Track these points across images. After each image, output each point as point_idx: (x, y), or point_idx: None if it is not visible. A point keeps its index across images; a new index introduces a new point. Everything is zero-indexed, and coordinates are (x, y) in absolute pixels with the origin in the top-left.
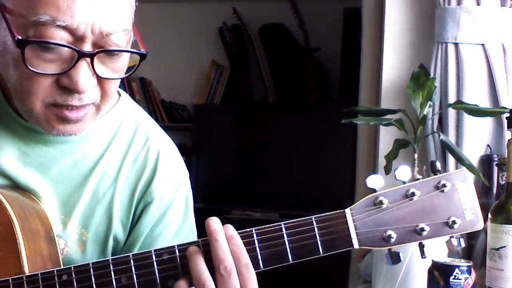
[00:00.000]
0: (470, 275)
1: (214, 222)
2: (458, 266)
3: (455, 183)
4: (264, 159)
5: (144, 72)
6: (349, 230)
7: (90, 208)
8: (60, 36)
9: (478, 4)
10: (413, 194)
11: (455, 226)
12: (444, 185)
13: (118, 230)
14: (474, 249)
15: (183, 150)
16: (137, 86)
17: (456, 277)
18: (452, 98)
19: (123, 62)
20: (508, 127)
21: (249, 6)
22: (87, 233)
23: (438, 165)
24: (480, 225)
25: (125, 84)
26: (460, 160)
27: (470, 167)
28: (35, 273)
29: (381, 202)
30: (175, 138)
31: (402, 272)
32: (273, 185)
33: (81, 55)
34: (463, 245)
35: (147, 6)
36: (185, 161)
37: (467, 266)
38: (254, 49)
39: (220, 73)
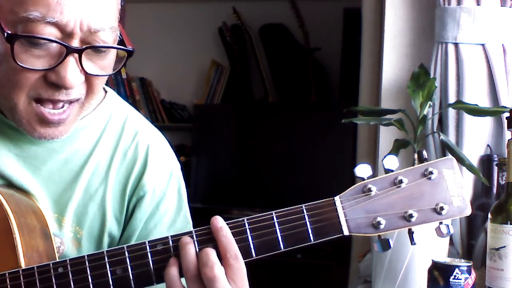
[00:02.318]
0: (470, 275)
1: (220, 220)
2: (458, 266)
3: (442, 170)
4: (264, 159)
5: (144, 72)
6: (338, 217)
7: (83, 205)
8: (49, 32)
9: (478, 4)
10: (400, 181)
11: (443, 212)
12: (431, 172)
13: (113, 226)
14: (474, 249)
15: (183, 150)
16: (137, 86)
17: (456, 277)
18: (452, 98)
19: (110, 59)
20: (508, 127)
21: (249, 6)
22: (82, 230)
23: (425, 153)
24: (468, 211)
25: (125, 84)
26: (460, 160)
27: (470, 167)
28: (31, 266)
29: (369, 190)
30: (175, 138)
31: (402, 272)
32: (273, 185)
33: (70, 50)
34: (452, 231)
35: (147, 6)
36: (185, 161)
37: (467, 266)
38: (254, 49)
39: (220, 73)
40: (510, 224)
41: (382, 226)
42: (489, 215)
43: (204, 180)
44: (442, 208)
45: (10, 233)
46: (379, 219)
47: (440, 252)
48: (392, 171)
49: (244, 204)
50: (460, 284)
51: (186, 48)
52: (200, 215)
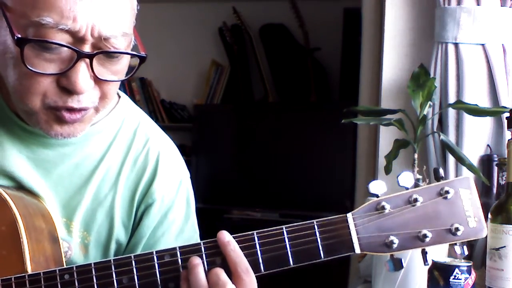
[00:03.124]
0: (470, 275)
1: (226, 235)
2: (458, 266)
3: (459, 190)
4: (264, 159)
5: (144, 72)
6: (350, 235)
7: (92, 211)
8: (61, 38)
9: (478, 4)
10: (415, 200)
11: (458, 233)
12: (447, 192)
13: (120, 233)
14: (474, 249)
15: (183, 150)
16: (137, 86)
17: (456, 277)
18: (452, 98)
19: (122, 64)
20: (508, 127)
21: (249, 6)
22: (89, 236)
23: (441, 172)
24: (483, 233)
25: (125, 85)
26: (461, 160)
27: (470, 167)
28: (37, 272)
29: (383, 208)
30: (175, 138)
31: (402, 272)
32: (273, 185)
33: (81, 55)
34: (466, 253)
35: (147, 6)
36: (185, 161)
37: (467, 266)
38: (254, 49)
39: (220, 73)
40: (510, 224)
41: (395, 246)
42: (489, 215)
43: (204, 180)
44: (457, 229)
45: (18, 237)
46: (392, 238)
47: (440, 252)
48: (407, 188)
49: (244, 204)
50: (460, 284)
51: (186, 48)
52: (201, 215)
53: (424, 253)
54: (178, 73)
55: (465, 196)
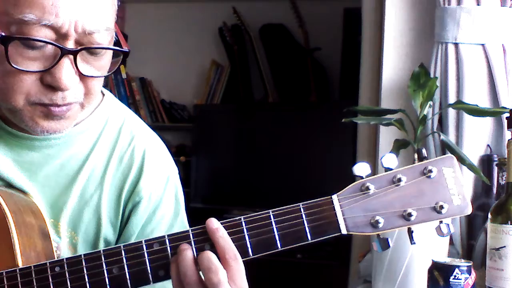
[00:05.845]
0: (470, 275)
1: (215, 222)
2: (458, 266)
3: (442, 168)
4: (264, 159)
5: (144, 72)
6: (336, 216)
7: (78, 211)
8: (44, 34)
9: (478, 4)
10: (399, 180)
11: (443, 211)
12: (430, 171)
13: (108, 231)
14: (474, 249)
15: (183, 150)
16: (137, 86)
17: (456, 277)
18: (452, 98)
19: (106, 60)
20: (508, 127)
21: (249, 6)
22: (77, 235)
23: (425, 152)
24: (468, 210)
25: (125, 84)
26: (461, 160)
27: (471, 166)
28: (28, 265)
29: (367, 188)
30: (175, 138)
31: (402, 272)
32: (273, 185)
33: (64, 52)
34: (452, 230)
35: (148, 6)
36: (185, 161)
37: (467, 266)
38: (254, 49)
39: (220, 73)
40: (510, 224)
41: (380, 225)
42: (489, 215)
43: (204, 180)
44: (442, 207)
45: (8, 233)
46: (377, 218)
47: (440, 252)
48: (391, 169)
49: (245, 204)
50: (460, 284)
51: (186, 48)
52: (201, 215)
53: (410, 232)
54: (178, 73)
55: (449, 174)
